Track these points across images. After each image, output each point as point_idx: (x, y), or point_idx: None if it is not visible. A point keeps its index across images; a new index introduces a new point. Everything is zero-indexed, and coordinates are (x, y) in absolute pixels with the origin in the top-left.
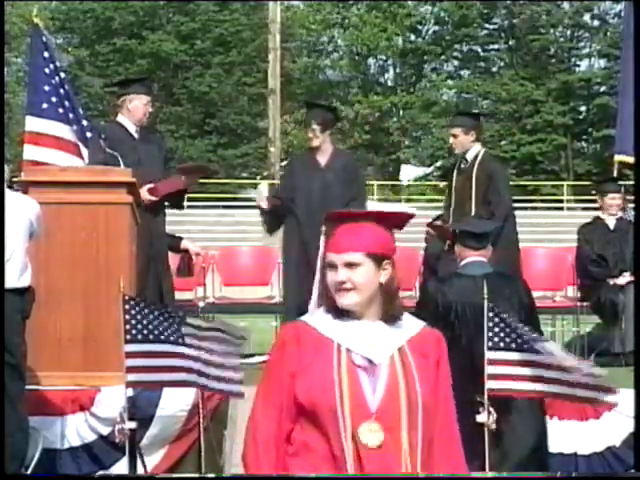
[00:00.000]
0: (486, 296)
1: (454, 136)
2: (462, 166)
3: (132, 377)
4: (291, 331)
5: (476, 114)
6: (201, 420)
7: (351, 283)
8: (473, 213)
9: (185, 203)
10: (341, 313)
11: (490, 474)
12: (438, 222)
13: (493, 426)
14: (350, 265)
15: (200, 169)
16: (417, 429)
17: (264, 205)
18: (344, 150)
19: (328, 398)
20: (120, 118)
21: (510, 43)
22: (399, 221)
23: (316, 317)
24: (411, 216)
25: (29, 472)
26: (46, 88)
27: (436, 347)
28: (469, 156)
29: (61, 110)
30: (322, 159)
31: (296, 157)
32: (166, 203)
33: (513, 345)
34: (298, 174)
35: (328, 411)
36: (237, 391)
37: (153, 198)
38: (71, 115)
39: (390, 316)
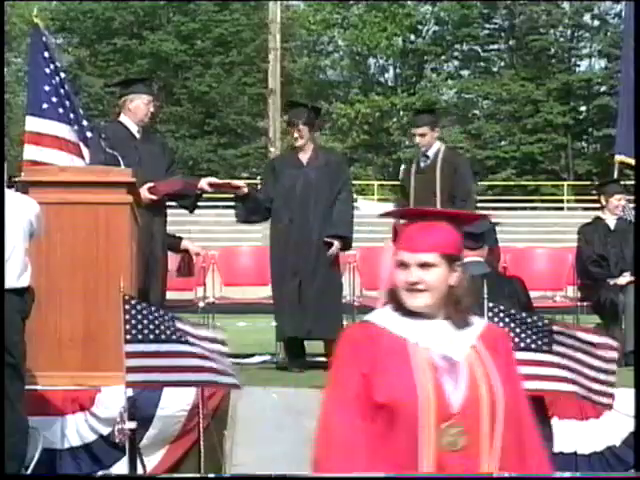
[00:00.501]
0: (486, 296)
1: (422, 135)
2: (422, 164)
3: (132, 377)
4: (362, 331)
5: (434, 110)
6: (201, 420)
7: (424, 284)
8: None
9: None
10: (409, 312)
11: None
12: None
13: None
14: (424, 265)
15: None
16: (498, 430)
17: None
18: (327, 147)
19: (411, 399)
20: (122, 118)
21: (510, 43)
22: (470, 221)
23: (383, 317)
24: (484, 216)
25: (29, 472)
26: (46, 88)
27: (504, 342)
28: (431, 152)
29: (61, 110)
30: (304, 157)
31: (277, 158)
32: (171, 203)
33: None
34: (280, 174)
35: (410, 412)
36: (235, 382)
37: (153, 197)
38: (71, 115)
39: (459, 318)
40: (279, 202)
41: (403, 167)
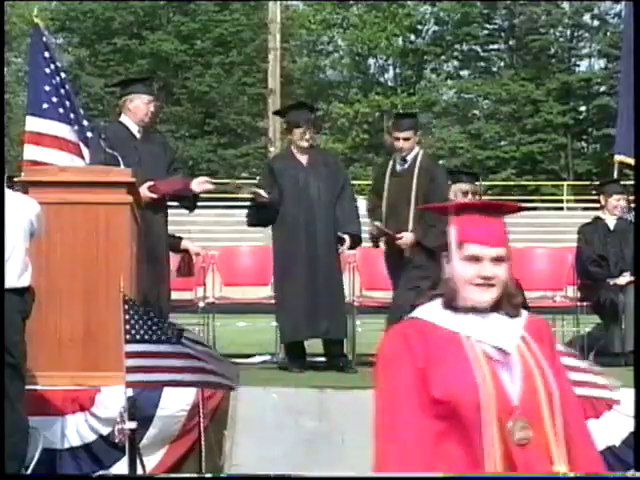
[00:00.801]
0: None
1: (407, 139)
2: (398, 168)
3: (132, 377)
4: (411, 327)
5: (415, 114)
6: (201, 420)
7: (496, 279)
8: (411, 216)
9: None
10: (457, 307)
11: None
12: (378, 224)
13: None
14: (497, 260)
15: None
16: (558, 422)
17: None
18: (322, 148)
19: (472, 393)
20: (123, 118)
21: (510, 43)
22: (512, 212)
23: (430, 312)
24: (525, 208)
25: (29, 472)
26: (47, 88)
27: (548, 332)
28: (410, 157)
29: (62, 110)
30: (303, 159)
31: (275, 159)
32: (172, 202)
33: None
34: (280, 176)
35: (472, 407)
36: (232, 384)
37: (154, 196)
38: (72, 115)
39: (513, 310)
40: (282, 204)
41: (377, 168)
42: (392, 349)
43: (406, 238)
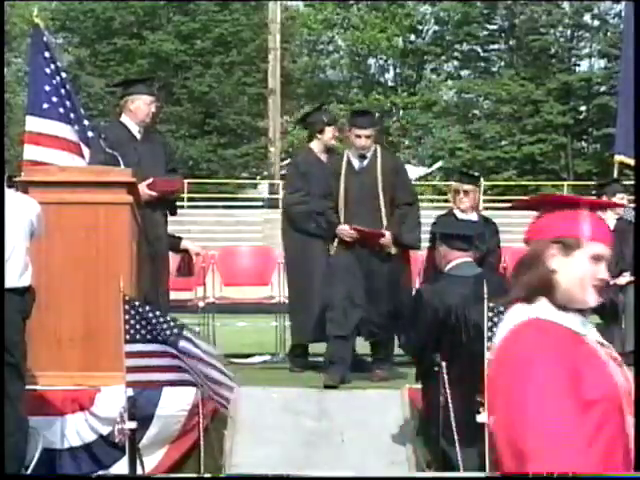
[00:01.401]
0: (486, 296)
1: (368, 137)
2: (357, 166)
3: (132, 377)
4: (549, 326)
5: (372, 111)
6: (201, 420)
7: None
8: (383, 212)
9: (185, 203)
10: (567, 307)
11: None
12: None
13: None
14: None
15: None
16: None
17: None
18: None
19: (615, 391)
20: (123, 118)
21: (510, 43)
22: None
23: (548, 312)
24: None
25: (29, 472)
26: (47, 88)
27: None
28: (369, 154)
29: (62, 110)
30: (324, 158)
31: (300, 158)
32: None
33: None
34: (309, 175)
35: (616, 404)
36: (226, 403)
37: (152, 193)
38: (72, 115)
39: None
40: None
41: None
42: (539, 347)
43: (388, 236)
